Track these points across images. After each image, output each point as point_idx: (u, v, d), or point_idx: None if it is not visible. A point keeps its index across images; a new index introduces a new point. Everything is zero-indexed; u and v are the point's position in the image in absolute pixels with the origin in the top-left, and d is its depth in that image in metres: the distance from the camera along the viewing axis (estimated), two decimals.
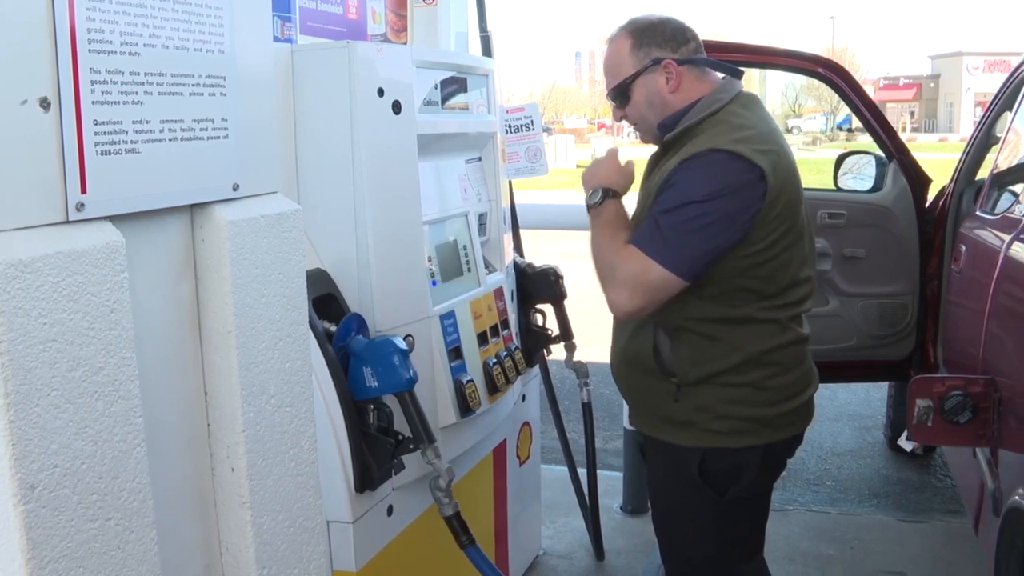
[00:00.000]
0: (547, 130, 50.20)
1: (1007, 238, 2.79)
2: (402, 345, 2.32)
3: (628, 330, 2.41)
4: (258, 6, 1.87)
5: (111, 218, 1.53)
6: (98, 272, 1.47)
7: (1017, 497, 2.16)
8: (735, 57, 4.55)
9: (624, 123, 2.49)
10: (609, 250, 2.26)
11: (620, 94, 2.40)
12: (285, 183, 2.34)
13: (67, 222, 1.44)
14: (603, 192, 2.36)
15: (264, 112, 1.88)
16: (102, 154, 1.50)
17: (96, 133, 1.48)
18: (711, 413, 2.31)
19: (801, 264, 2.32)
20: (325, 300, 2.38)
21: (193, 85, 1.69)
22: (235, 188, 1.79)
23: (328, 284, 2.41)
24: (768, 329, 2.29)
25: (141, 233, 1.63)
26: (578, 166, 34.47)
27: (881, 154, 4.59)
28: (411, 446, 2.35)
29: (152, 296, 1.68)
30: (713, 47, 4.41)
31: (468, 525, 2.46)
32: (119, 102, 1.53)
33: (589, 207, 2.38)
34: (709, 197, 2.14)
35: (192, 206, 1.74)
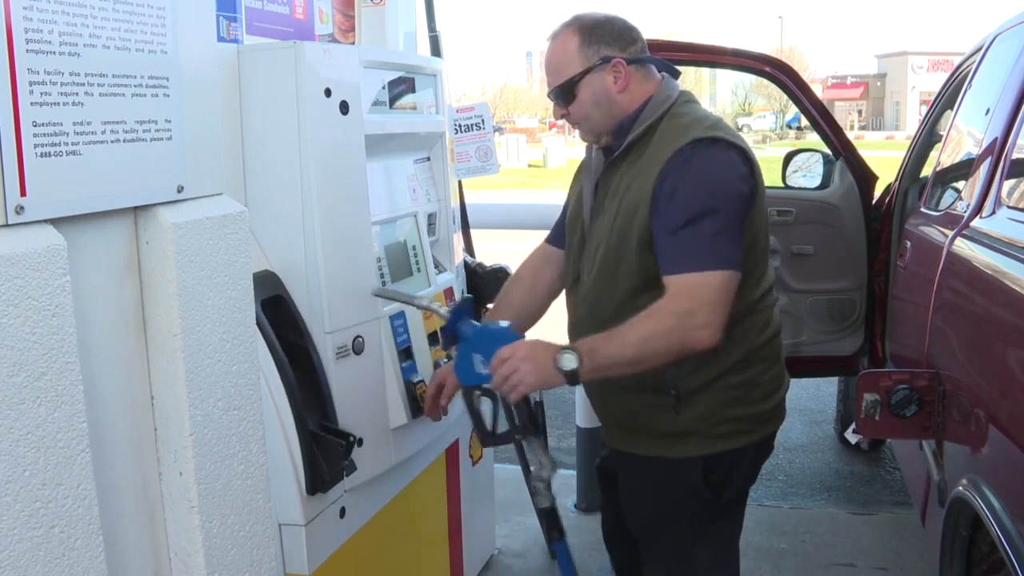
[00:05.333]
0: (499, 129, 50.13)
1: (950, 234, 2.83)
2: (514, 334, 2.21)
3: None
4: (201, 6, 1.85)
5: (52, 221, 1.51)
6: (39, 276, 1.45)
7: (961, 488, 2.19)
8: (685, 56, 4.59)
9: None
10: (658, 322, 2.08)
11: (565, 92, 2.31)
12: (232, 185, 2.32)
13: (6, 225, 1.42)
14: (568, 355, 2.09)
15: (209, 113, 1.87)
16: (42, 156, 1.48)
17: (35, 135, 1.46)
18: (712, 419, 2.28)
19: (768, 255, 2.35)
20: (273, 302, 2.36)
21: (135, 86, 1.67)
22: (179, 190, 1.77)
23: (276, 286, 2.39)
24: (757, 323, 2.29)
25: (83, 236, 1.61)
26: (530, 165, 34.57)
27: (828, 152, 4.64)
28: (516, 436, 2.28)
29: (95, 299, 1.66)
30: (663, 46, 4.45)
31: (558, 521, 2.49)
32: (59, 103, 1.51)
33: (576, 374, 2.09)
34: (718, 186, 2.13)
35: (136, 208, 1.72)
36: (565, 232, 2.53)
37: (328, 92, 2.42)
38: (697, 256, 2.09)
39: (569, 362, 2.07)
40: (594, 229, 2.34)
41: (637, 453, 2.38)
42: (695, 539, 2.42)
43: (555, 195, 19.98)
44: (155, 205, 1.72)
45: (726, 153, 2.16)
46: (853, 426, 4.98)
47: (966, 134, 3.44)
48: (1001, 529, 1.88)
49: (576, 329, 2.40)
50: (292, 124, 2.37)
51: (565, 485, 4.46)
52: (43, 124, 1.48)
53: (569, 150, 38.17)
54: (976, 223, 2.66)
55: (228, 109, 2.34)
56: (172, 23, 1.74)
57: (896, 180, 4.57)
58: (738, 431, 2.31)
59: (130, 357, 1.74)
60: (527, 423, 2.26)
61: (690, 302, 2.08)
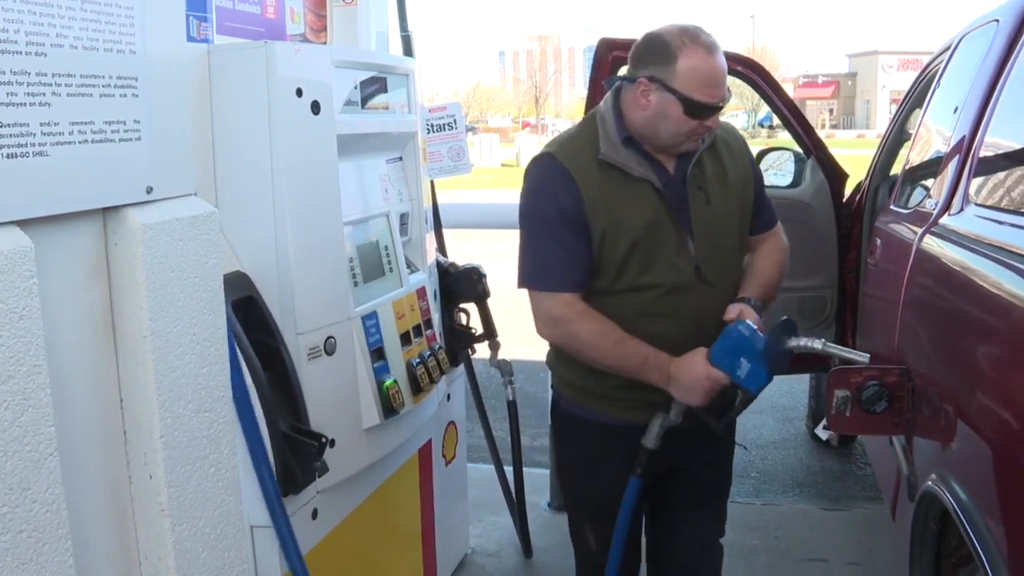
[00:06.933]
0: (471, 129, 50.15)
1: (919, 231, 2.85)
2: None
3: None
4: (170, 6, 1.84)
5: (19, 222, 1.49)
6: (5, 278, 1.43)
7: (930, 482, 2.21)
8: None
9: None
10: (783, 261, 2.77)
11: None
12: (203, 185, 2.30)
13: None
14: None
15: (178, 113, 1.86)
16: (8, 157, 1.46)
17: (1, 136, 1.45)
18: None
19: None
20: (245, 303, 2.35)
21: (103, 86, 1.65)
22: (148, 191, 1.76)
23: (247, 286, 2.38)
24: None
25: (51, 237, 1.60)
26: (503, 164, 34.57)
27: (800, 150, 4.67)
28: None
29: (63, 302, 1.64)
30: None
31: None
32: (25, 104, 1.50)
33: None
34: None
35: (104, 209, 1.70)
36: (616, 261, 2.42)
37: (299, 92, 2.42)
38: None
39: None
40: (699, 217, 2.45)
41: None
42: None
43: None
44: (124, 206, 1.71)
45: None
46: (824, 422, 5.02)
47: (935, 132, 3.47)
48: (969, 523, 1.90)
49: (703, 323, 2.46)
50: (263, 124, 2.36)
51: (539, 485, 4.46)
52: (9, 125, 1.46)
53: None
54: (945, 220, 2.69)
55: (198, 109, 2.32)
56: (141, 23, 1.73)
57: (867, 178, 4.61)
58: None
59: (99, 360, 1.73)
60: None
61: (785, 237, 2.77)
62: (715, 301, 2.47)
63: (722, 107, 2.37)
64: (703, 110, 2.32)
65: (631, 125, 2.40)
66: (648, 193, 2.40)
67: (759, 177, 2.67)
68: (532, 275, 2.46)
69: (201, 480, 1.87)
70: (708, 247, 2.46)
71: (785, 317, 2.51)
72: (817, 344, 2.48)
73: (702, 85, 2.30)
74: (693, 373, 2.36)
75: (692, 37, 2.31)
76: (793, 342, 2.49)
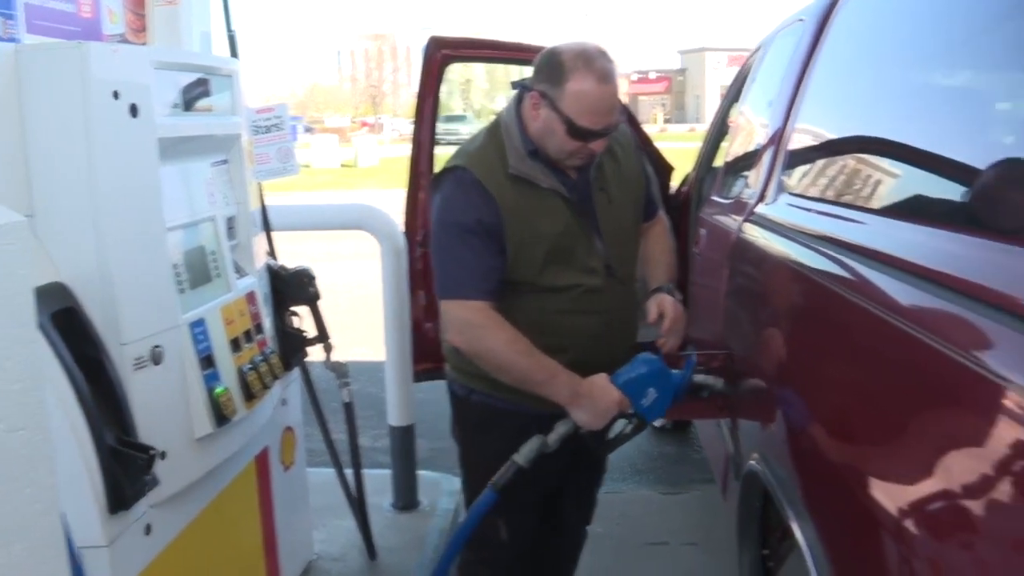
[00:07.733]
0: (309, 130, 49.55)
1: (739, 220, 2.97)
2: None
3: (635, 303, 2.73)
4: None
5: None
6: None
7: (752, 462, 2.30)
8: (493, 54, 4.65)
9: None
10: (672, 242, 2.90)
11: None
12: (16, 193, 2.22)
13: None
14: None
15: None
16: None
17: None
18: None
19: None
20: (65, 314, 2.26)
21: None
22: None
23: (67, 298, 2.28)
24: None
25: None
26: (343, 165, 34.21)
27: None
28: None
29: None
30: (469, 44, 4.49)
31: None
32: None
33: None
34: None
35: None
36: (535, 266, 2.50)
37: (116, 94, 2.34)
38: None
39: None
40: (605, 218, 2.57)
41: None
42: None
43: (367, 195, 19.84)
44: None
45: None
46: None
47: (753, 125, 3.61)
48: (786, 499, 1.98)
49: (613, 320, 2.62)
50: (78, 128, 2.28)
51: (382, 486, 4.44)
52: None
53: (381, 149, 37.97)
54: (760, 209, 2.80)
55: (7, 112, 2.23)
56: None
57: (694, 170, 4.76)
58: None
59: None
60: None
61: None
62: (624, 295, 2.63)
63: (607, 134, 2.43)
64: (586, 134, 2.39)
65: (530, 134, 2.48)
66: (557, 201, 2.50)
67: (648, 170, 2.83)
68: (447, 284, 2.51)
69: (17, 503, 1.78)
70: (614, 245, 2.57)
71: (691, 353, 2.62)
72: (719, 384, 2.65)
73: (587, 111, 2.36)
74: (607, 396, 2.46)
75: (587, 62, 2.35)
76: (699, 378, 2.60)
